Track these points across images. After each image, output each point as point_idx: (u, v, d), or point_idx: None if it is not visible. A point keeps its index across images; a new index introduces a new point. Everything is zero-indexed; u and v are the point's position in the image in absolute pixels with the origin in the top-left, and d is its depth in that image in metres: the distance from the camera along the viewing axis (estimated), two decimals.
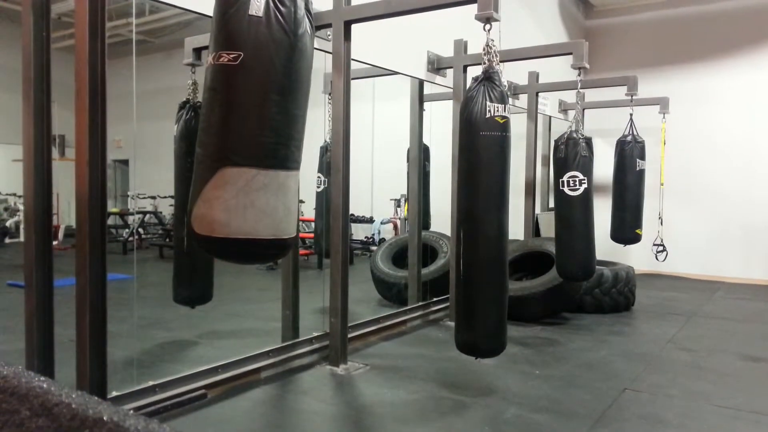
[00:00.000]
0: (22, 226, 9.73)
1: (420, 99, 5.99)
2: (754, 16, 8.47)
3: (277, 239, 2.35)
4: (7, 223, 11.36)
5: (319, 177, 5.67)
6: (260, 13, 2.28)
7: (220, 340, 5.07)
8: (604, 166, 6.94)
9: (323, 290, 4.55)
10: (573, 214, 4.89)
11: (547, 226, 7.31)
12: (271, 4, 2.30)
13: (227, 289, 6.50)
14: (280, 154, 2.33)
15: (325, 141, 5.50)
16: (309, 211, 6.70)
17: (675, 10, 9.08)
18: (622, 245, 6.85)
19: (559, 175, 4.92)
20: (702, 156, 8.76)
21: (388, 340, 5.05)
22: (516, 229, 6.16)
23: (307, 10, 2.45)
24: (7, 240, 11.17)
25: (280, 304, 4.56)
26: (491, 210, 3.29)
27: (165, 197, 10.13)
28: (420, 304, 5.86)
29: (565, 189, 4.85)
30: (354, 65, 4.27)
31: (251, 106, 2.29)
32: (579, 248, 4.88)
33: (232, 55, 2.26)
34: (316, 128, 5.07)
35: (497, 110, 3.19)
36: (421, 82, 5.90)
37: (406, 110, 6.08)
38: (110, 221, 10.74)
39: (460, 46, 5.59)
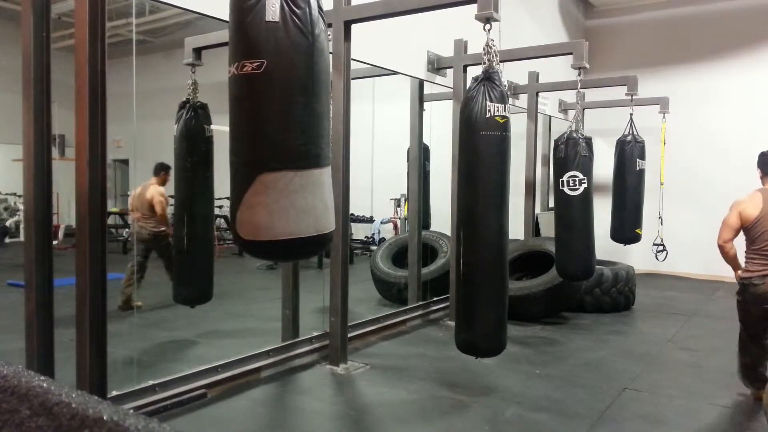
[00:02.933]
0: (22, 226, 9.72)
1: (420, 99, 5.99)
2: (754, 16, 8.46)
3: (319, 235, 2.41)
4: (7, 223, 11.35)
5: None
6: (276, 18, 2.28)
7: (220, 339, 5.08)
8: (604, 166, 6.93)
9: (323, 290, 4.54)
10: (573, 214, 4.89)
11: (547, 225, 7.31)
12: (286, 7, 2.30)
13: (227, 289, 6.50)
14: (312, 153, 2.37)
15: None
16: None
17: (675, 10, 9.08)
18: (622, 245, 6.85)
19: (559, 174, 4.92)
20: (702, 156, 8.76)
21: (388, 340, 5.05)
22: (516, 228, 6.16)
23: (320, 8, 2.47)
24: (7, 240, 11.16)
25: (280, 304, 4.56)
26: (491, 210, 3.29)
27: None
28: (420, 303, 5.86)
29: (565, 189, 4.85)
30: (354, 65, 4.27)
31: (280, 112, 2.32)
32: (579, 248, 4.88)
33: (255, 64, 2.27)
34: None
35: (497, 110, 3.19)
36: (421, 82, 5.90)
37: (406, 110, 6.08)
38: (110, 221, 10.74)
39: (460, 46, 5.59)
